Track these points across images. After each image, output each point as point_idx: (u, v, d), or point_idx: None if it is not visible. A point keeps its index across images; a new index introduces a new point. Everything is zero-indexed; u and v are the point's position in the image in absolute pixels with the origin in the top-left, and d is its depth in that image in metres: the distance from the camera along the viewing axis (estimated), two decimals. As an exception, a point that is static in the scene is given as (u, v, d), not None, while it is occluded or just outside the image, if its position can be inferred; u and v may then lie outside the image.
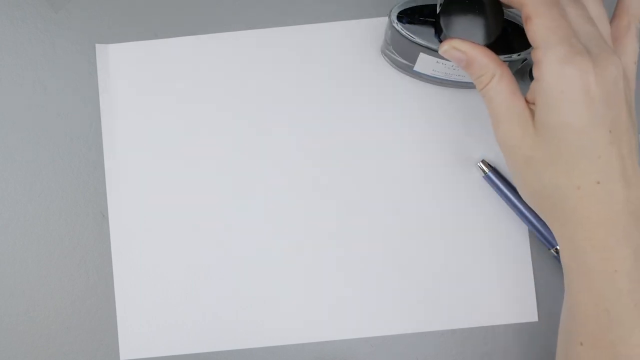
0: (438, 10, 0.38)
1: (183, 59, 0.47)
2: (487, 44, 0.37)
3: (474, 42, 0.36)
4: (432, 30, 0.39)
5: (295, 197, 0.46)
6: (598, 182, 0.33)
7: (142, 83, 0.47)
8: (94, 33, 0.47)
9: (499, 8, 0.37)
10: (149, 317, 0.46)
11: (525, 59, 0.40)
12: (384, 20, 0.47)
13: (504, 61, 0.39)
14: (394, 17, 0.39)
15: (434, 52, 0.40)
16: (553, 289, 0.46)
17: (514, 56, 0.39)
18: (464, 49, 0.36)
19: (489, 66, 0.35)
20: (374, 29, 0.47)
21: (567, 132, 0.33)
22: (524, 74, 0.46)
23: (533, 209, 0.38)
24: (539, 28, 0.33)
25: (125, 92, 0.47)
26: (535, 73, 0.34)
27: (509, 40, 0.39)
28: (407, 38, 0.40)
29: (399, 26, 0.39)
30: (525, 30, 0.34)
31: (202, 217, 0.46)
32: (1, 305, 0.46)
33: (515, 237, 0.46)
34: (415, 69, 0.44)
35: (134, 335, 0.46)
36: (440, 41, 0.39)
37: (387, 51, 0.44)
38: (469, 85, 0.45)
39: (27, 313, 0.46)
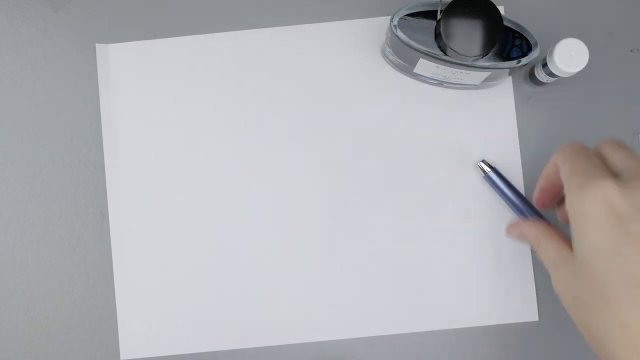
0: (438, 17, 0.38)
1: (183, 59, 0.47)
2: (486, 52, 0.37)
3: (524, 222, 0.42)
4: (432, 37, 0.39)
5: (294, 197, 0.46)
6: None
7: (142, 83, 0.47)
8: (94, 33, 0.47)
9: (499, 16, 0.37)
10: (149, 317, 0.46)
11: (525, 65, 0.40)
12: (385, 19, 0.47)
13: (505, 68, 0.40)
14: (394, 23, 0.39)
15: (433, 57, 0.40)
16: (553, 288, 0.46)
17: (514, 63, 0.39)
18: (523, 229, 0.42)
19: (533, 233, 0.40)
20: (375, 28, 0.47)
21: (597, 257, 0.30)
22: (524, 76, 0.46)
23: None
24: (564, 171, 0.34)
25: (125, 92, 0.47)
26: (566, 208, 0.33)
27: (509, 48, 0.40)
28: (407, 44, 0.40)
29: (399, 32, 0.39)
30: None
31: (202, 217, 0.46)
32: (1, 305, 0.46)
33: (515, 237, 0.46)
34: (415, 71, 0.44)
35: (134, 335, 0.46)
36: (440, 47, 0.39)
37: (387, 53, 0.45)
38: (468, 87, 0.45)
39: (27, 313, 0.46)
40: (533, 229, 0.40)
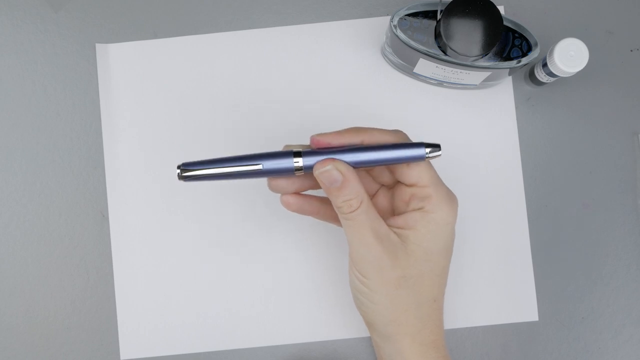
0: (438, 17, 0.38)
1: (183, 59, 0.47)
2: (486, 52, 0.37)
3: (349, 165, 0.35)
4: (432, 37, 0.39)
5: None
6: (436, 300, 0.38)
7: (142, 82, 0.47)
8: (94, 33, 0.47)
9: (499, 16, 0.37)
10: (149, 317, 0.46)
11: (525, 65, 0.40)
12: (385, 19, 0.47)
13: (505, 68, 0.40)
14: (394, 23, 0.39)
15: (433, 57, 0.40)
16: (553, 289, 0.46)
17: (514, 63, 0.39)
18: (344, 170, 0.35)
19: (360, 191, 0.35)
20: (375, 28, 0.47)
21: (446, 255, 0.38)
22: (524, 76, 0.46)
23: (385, 329, 0.38)
24: (433, 176, 0.37)
25: (125, 91, 0.47)
26: (428, 207, 0.36)
27: (509, 48, 0.40)
28: (407, 44, 0.40)
29: (399, 32, 0.39)
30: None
31: (202, 217, 0.46)
32: (1, 305, 0.46)
33: (515, 237, 0.46)
34: (415, 71, 0.44)
35: (134, 335, 0.46)
36: (440, 47, 0.39)
37: (387, 53, 0.45)
38: (468, 87, 0.45)
39: (27, 313, 0.46)
40: (360, 184, 0.35)
